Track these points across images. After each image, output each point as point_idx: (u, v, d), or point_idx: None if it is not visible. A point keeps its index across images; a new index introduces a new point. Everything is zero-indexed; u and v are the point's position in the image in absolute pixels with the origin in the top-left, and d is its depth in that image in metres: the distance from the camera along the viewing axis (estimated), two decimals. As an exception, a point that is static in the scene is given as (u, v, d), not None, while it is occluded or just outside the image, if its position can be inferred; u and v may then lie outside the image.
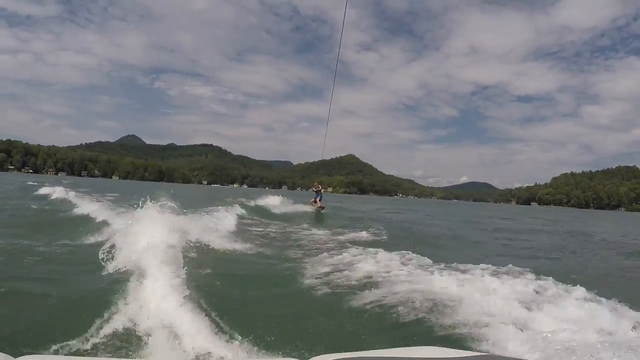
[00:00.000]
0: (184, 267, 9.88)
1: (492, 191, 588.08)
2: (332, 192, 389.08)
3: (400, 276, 10.93)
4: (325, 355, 2.29)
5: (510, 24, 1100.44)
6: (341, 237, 19.74)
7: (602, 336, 6.67)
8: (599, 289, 9.94)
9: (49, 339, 6.17)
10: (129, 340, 6.42)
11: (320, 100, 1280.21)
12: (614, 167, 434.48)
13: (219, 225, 19.78)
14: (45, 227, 18.81)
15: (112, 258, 11.57)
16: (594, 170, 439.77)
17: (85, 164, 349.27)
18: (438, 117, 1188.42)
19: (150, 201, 14.51)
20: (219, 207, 27.65)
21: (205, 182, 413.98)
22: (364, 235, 20.71)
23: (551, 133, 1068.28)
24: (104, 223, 18.00)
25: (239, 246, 16.05)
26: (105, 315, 7.03)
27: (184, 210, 16.67)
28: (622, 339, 6.44)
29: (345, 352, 2.42)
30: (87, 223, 19.69)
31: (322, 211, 39.44)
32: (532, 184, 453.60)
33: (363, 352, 2.43)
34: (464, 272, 11.68)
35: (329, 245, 17.07)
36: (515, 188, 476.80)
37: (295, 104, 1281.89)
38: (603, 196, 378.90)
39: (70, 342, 6.14)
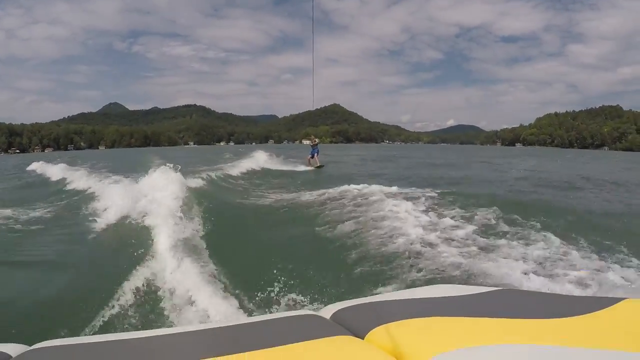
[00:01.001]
0: (194, 231, 10.61)
1: (480, 133, 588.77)
2: (318, 143, 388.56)
3: (407, 222, 11.36)
4: (336, 303, 2.29)
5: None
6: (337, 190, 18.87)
7: None
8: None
9: (63, 322, 6.36)
10: (144, 311, 6.75)
11: (302, 51, 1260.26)
12: (597, 107, 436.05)
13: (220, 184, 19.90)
14: (61, 209, 18.62)
15: (124, 227, 12.16)
16: (578, 110, 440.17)
17: (70, 137, 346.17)
18: (423, 61, 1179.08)
19: (153, 170, 15.27)
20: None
21: (192, 143, 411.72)
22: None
23: (537, 73, 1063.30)
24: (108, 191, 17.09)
25: (241, 203, 16.61)
26: (119, 291, 7.27)
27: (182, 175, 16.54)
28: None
29: (357, 298, 2.41)
30: (96, 198, 18.92)
31: (322, 168, 36.62)
32: (517, 125, 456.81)
33: (373, 296, 2.39)
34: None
35: (328, 203, 16.50)
36: (501, 130, 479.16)
37: (277, 56, 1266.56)
38: (586, 136, 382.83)
39: (85, 323, 6.36)
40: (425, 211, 13.22)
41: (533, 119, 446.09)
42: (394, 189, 17.24)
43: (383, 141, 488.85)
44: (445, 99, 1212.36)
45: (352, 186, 18.95)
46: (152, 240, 9.70)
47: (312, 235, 11.51)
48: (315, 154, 37.36)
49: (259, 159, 39.29)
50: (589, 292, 6.28)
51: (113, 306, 6.67)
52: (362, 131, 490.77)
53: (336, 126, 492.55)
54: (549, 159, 67.44)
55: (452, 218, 12.10)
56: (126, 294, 7.05)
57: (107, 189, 17.35)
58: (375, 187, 17.48)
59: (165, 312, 6.58)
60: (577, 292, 6.50)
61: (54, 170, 34.54)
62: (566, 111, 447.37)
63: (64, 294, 7.58)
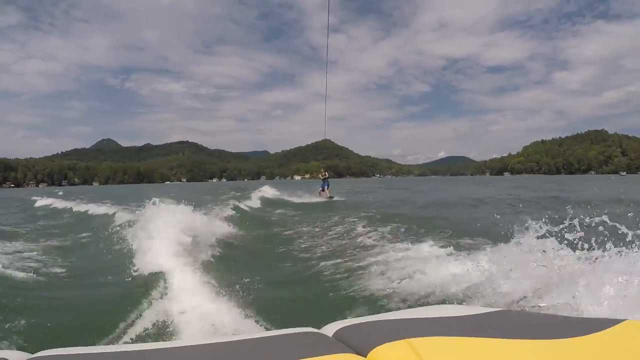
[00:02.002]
0: (201, 260, 10.78)
1: (470, 164, 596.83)
2: (309, 178, 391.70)
3: (397, 248, 11.41)
4: (338, 321, 2.33)
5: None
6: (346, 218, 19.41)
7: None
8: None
9: (66, 337, 6.39)
10: (150, 325, 6.77)
11: (292, 87, 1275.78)
12: (583, 132, 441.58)
13: (225, 221, 19.50)
14: (66, 234, 19.66)
15: (132, 256, 11.98)
16: (563, 137, 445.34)
17: (64, 173, 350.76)
18: (411, 94, 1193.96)
19: (159, 202, 15.24)
20: (219, 204, 27.00)
21: (184, 180, 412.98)
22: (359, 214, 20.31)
23: (524, 101, 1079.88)
24: (120, 224, 17.94)
25: (247, 237, 16.61)
26: (125, 310, 7.26)
27: (192, 207, 16.60)
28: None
29: (360, 317, 2.46)
30: (104, 225, 20.34)
31: (333, 198, 37.31)
32: (506, 154, 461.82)
33: (375, 315, 2.49)
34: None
35: (336, 227, 17.17)
36: (489, 160, 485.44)
37: (267, 92, 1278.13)
38: (573, 161, 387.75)
39: (89, 338, 6.31)
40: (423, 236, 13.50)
41: (521, 148, 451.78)
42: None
43: (374, 175, 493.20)
44: (434, 131, 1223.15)
45: (362, 213, 19.98)
46: (165, 262, 9.86)
47: (317, 255, 11.91)
48: (326, 187, 38.66)
49: (267, 192, 41.69)
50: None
51: (118, 318, 6.86)
52: (353, 165, 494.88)
53: (327, 161, 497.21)
54: (493, 186, 69.60)
55: (442, 246, 11.82)
56: (131, 308, 7.25)
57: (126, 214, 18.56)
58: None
59: (168, 326, 6.71)
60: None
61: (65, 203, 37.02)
62: (552, 138, 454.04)
63: (72, 305, 7.98)
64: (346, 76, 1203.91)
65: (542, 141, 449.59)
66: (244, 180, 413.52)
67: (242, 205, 26.56)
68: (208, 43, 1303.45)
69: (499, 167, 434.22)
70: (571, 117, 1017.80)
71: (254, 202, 31.92)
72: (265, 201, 34.32)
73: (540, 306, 5.87)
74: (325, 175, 39.78)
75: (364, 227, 16.28)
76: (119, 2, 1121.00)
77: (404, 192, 55.38)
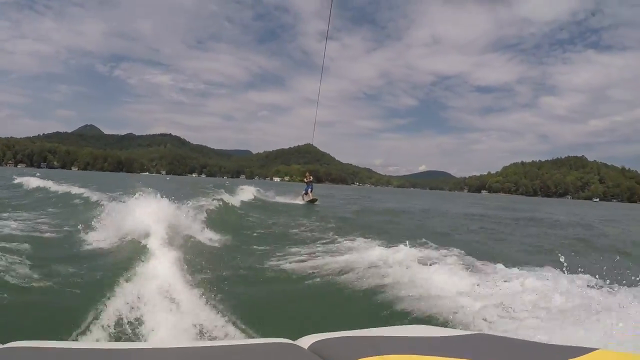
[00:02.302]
0: (179, 254, 10.27)
1: (450, 179, 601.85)
2: (289, 180, 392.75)
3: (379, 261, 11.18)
4: (314, 334, 2.32)
5: (472, 15, 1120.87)
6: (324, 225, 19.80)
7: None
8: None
9: (41, 326, 6.34)
10: (122, 324, 6.56)
11: (281, 89, 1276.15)
12: (563, 157, 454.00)
13: (206, 216, 19.16)
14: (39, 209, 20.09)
15: (109, 243, 12.19)
16: (544, 160, 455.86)
17: (44, 155, 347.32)
18: (398, 107, 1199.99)
19: (141, 193, 15.10)
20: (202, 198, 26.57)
21: (164, 172, 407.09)
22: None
23: (510, 123, 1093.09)
24: (100, 209, 17.17)
25: (228, 236, 16.09)
26: (101, 301, 7.06)
27: (173, 200, 16.09)
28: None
29: (333, 331, 2.45)
30: (85, 210, 20.17)
31: (316, 203, 37.88)
32: (486, 173, 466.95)
33: (351, 331, 2.51)
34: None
35: (315, 233, 17.09)
36: (469, 177, 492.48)
37: (256, 92, 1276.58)
38: (550, 185, 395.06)
39: (64, 329, 6.15)
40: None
41: (501, 168, 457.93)
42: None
43: (353, 183, 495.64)
44: (418, 145, 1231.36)
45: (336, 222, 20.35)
46: (142, 257, 9.71)
47: (295, 264, 11.51)
48: (309, 190, 39.29)
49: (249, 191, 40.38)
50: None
51: (93, 314, 6.60)
52: (333, 172, 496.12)
53: (308, 166, 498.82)
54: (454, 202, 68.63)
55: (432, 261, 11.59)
56: (107, 304, 6.95)
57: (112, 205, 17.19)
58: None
59: (142, 326, 6.52)
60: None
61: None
62: (532, 160, 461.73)
63: (48, 297, 7.61)
64: (337, 83, 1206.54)
65: (522, 163, 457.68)
66: (223, 177, 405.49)
67: (223, 203, 25.74)
68: (201, 39, 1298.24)
69: (477, 185, 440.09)
70: (555, 142, 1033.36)
71: (235, 200, 31.21)
72: (246, 201, 34.18)
73: (516, 332, 5.89)
74: (310, 178, 40.26)
75: (342, 234, 16.41)
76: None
77: (369, 200, 56.98)
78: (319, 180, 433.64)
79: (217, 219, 19.16)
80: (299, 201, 39.16)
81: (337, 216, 25.98)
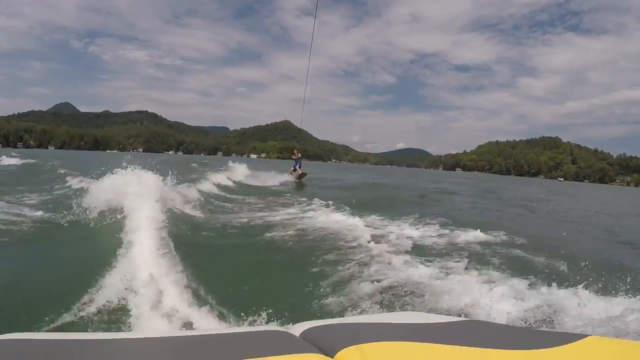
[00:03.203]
0: (168, 238, 10.23)
1: (427, 157, 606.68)
2: (265, 157, 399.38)
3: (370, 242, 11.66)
4: (306, 322, 2.26)
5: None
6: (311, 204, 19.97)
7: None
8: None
9: (32, 315, 6.16)
10: (113, 313, 6.45)
11: (259, 65, 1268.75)
12: (537, 137, 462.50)
13: (196, 196, 19.52)
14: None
15: (99, 226, 11.96)
16: (518, 140, 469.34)
17: (20, 135, 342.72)
18: (377, 84, 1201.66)
19: (129, 170, 15.00)
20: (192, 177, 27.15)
21: (140, 150, 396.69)
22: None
23: (487, 102, 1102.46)
24: (85, 190, 16.54)
25: (217, 218, 15.95)
26: (90, 289, 6.99)
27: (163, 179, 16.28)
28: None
29: (327, 318, 2.46)
30: (71, 192, 20.06)
31: (303, 178, 38.34)
32: (462, 151, 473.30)
33: (343, 318, 2.58)
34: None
35: (302, 214, 17.10)
36: (444, 155, 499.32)
37: (233, 68, 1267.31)
38: (523, 164, 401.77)
39: (54, 317, 6.10)
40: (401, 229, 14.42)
41: (476, 146, 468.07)
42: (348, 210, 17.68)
43: (330, 160, 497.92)
44: (396, 122, 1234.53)
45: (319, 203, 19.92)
46: (130, 241, 9.61)
47: (287, 251, 11.42)
48: (298, 166, 39.39)
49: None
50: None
51: (82, 304, 6.57)
52: (310, 149, 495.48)
53: (284, 142, 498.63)
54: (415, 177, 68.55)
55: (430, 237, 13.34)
56: (95, 293, 6.91)
57: (95, 184, 16.70)
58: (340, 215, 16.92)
59: (132, 315, 6.43)
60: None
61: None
62: (507, 140, 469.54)
63: (34, 287, 7.55)
64: (315, 60, 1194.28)
65: (497, 142, 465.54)
66: (200, 154, 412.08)
67: (208, 185, 25.73)
68: (178, 14, 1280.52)
69: (452, 163, 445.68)
70: (532, 122, 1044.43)
71: (222, 180, 31.23)
72: (232, 181, 33.64)
73: (508, 317, 6.35)
74: (299, 155, 41.02)
75: (330, 210, 17.32)
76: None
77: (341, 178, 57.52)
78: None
79: (205, 202, 19.32)
80: (288, 177, 39.25)
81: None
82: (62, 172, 29.06)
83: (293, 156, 41.63)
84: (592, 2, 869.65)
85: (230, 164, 41.68)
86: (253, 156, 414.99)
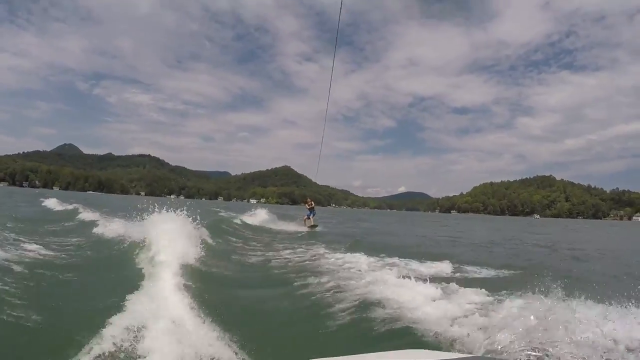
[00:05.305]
0: (189, 276, 10.48)
1: (427, 200, 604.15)
2: (265, 202, 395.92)
3: (379, 281, 11.44)
4: (316, 359, 2.32)
5: (448, 38, 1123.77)
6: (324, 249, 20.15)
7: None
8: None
9: (44, 351, 6.20)
10: (123, 351, 6.32)
11: (260, 110, 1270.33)
12: (532, 177, 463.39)
13: (211, 240, 19.83)
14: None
15: (122, 262, 12.37)
16: (512, 180, 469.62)
17: (26, 174, 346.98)
18: (377, 128, 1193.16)
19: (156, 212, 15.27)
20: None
21: (143, 193, 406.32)
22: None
23: (487, 143, 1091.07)
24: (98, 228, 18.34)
25: (234, 260, 16.40)
26: (103, 326, 6.85)
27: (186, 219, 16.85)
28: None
29: (336, 356, 2.41)
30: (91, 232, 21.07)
31: (316, 229, 38.23)
32: (458, 194, 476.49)
33: (349, 356, 2.41)
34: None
35: (315, 259, 17.17)
36: (441, 198, 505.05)
37: (235, 113, 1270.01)
38: (517, 204, 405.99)
39: (65, 354, 6.03)
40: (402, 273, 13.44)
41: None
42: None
43: (330, 205, 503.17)
44: (397, 166, 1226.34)
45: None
46: (148, 279, 9.81)
47: (295, 292, 11.38)
48: (312, 216, 39.42)
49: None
50: None
51: (95, 340, 6.45)
52: (310, 194, 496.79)
53: (283, 188, 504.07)
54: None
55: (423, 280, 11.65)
56: (108, 330, 6.74)
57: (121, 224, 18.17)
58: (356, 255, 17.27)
59: (141, 355, 6.28)
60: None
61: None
62: (501, 181, 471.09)
63: (50, 321, 7.42)
64: (316, 104, 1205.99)
65: (491, 183, 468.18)
66: (202, 199, 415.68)
67: (227, 227, 26.94)
68: (181, 58, 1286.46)
69: (448, 205, 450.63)
70: (531, 162, 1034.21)
71: (248, 221, 34.04)
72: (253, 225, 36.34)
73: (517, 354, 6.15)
74: (312, 204, 40.95)
75: (342, 253, 17.52)
76: (98, 7, 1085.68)
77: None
78: (294, 202, 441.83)
79: (219, 245, 19.83)
80: (302, 227, 39.23)
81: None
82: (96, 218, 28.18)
83: (307, 205, 41.73)
84: (584, 40, 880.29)
85: (255, 210, 47.15)
86: (253, 201, 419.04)
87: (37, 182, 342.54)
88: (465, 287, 10.99)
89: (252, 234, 27.63)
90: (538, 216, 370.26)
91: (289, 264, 16.26)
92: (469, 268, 16.44)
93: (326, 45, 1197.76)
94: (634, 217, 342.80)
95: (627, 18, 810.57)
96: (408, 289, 10.15)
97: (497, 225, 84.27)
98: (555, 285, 8.34)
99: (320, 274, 13.54)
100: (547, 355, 5.86)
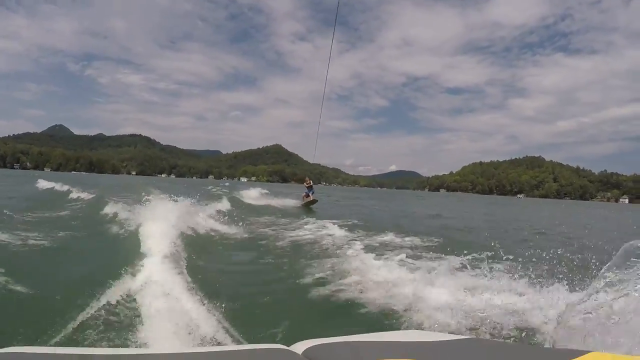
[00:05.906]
0: (181, 255, 10.43)
1: (417, 179, 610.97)
2: (255, 180, 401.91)
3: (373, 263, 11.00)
4: (308, 340, 2.27)
5: (443, 18, 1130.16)
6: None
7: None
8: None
9: (37, 330, 6.04)
10: (115, 329, 6.29)
11: (253, 90, 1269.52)
12: (521, 157, 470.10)
13: (212, 217, 19.84)
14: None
15: (116, 243, 12.20)
16: (502, 160, 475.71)
17: (17, 156, 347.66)
18: (370, 107, 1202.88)
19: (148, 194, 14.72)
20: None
21: (134, 173, 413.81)
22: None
23: (479, 124, 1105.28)
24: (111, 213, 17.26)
25: (230, 238, 16.10)
26: (99, 303, 6.90)
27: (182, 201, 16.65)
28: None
29: (329, 336, 2.42)
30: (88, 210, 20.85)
31: (313, 205, 39.03)
32: (447, 173, 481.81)
33: (345, 336, 2.44)
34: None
35: (310, 236, 16.80)
36: (431, 176, 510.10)
37: (228, 93, 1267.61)
38: (505, 183, 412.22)
39: (62, 332, 5.99)
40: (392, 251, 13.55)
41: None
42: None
43: (320, 183, 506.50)
44: (389, 145, 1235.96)
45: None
46: (142, 255, 9.73)
47: (290, 270, 11.17)
48: (311, 193, 39.93)
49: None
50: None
51: (86, 317, 6.45)
52: (300, 172, 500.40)
53: (274, 166, 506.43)
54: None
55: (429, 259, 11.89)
56: (102, 307, 6.79)
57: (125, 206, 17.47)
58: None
59: (134, 330, 6.28)
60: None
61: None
62: (490, 160, 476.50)
63: (39, 299, 7.38)
64: (309, 84, 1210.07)
65: (480, 162, 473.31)
66: (192, 177, 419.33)
67: (218, 206, 26.00)
68: (174, 38, 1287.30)
69: (437, 184, 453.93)
70: (524, 142, 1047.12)
71: (234, 201, 32.40)
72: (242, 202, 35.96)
73: (510, 335, 6.27)
74: (310, 183, 41.38)
75: (339, 235, 16.72)
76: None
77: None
78: (284, 180, 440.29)
79: (219, 222, 19.58)
80: (297, 202, 41.01)
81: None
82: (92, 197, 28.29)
83: (305, 184, 42.18)
84: (580, 23, 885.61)
85: (249, 189, 47.10)
86: (243, 179, 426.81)
87: (28, 163, 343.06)
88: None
89: (247, 213, 27.46)
90: (521, 196, 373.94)
91: (279, 241, 16.11)
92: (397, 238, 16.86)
93: (320, 25, 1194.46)
94: (620, 200, 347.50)
95: (623, 2, 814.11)
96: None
97: (467, 204, 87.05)
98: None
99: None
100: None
